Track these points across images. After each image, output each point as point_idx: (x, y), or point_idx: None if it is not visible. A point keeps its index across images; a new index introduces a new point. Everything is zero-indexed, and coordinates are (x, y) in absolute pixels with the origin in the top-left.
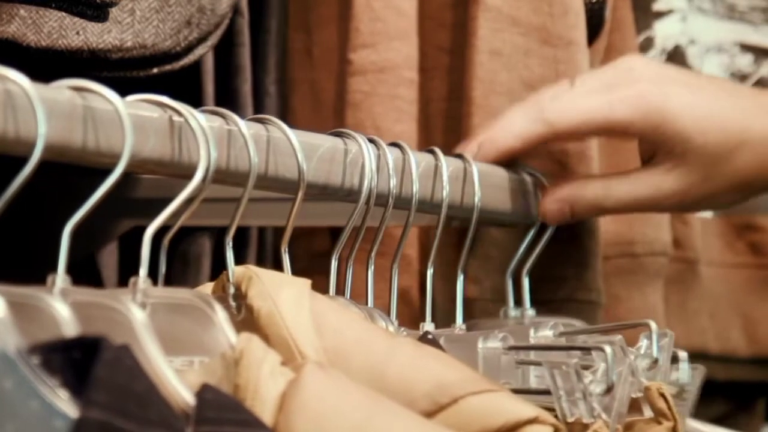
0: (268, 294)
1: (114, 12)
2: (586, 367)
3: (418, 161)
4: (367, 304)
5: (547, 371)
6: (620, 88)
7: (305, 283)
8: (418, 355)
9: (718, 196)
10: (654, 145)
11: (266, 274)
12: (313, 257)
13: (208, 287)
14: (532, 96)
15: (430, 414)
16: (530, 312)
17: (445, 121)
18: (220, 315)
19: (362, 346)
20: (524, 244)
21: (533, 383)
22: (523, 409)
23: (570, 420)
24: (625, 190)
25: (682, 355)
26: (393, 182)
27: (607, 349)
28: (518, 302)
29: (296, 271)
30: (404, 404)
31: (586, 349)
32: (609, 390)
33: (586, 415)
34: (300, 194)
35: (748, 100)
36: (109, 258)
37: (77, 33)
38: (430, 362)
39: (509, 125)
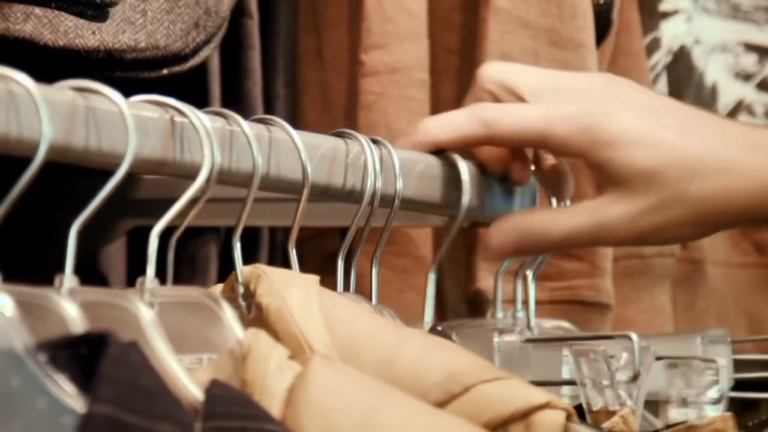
0: (277, 291)
1: (126, 12)
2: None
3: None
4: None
5: (573, 359)
6: (566, 102)
7: (314, 279)
8: (428, 346)
9: (677, 229)
10: (597, 169)
11: (275, 272)
12: (323, 258)
13: (217, 288)
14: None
15: (442, 404)
16: (520, 314)
17: None
18: (228, 312)
19: (372, 339)
20: None
21: (536, 375)
22: (534, 394)
23: (595, 408)
24: (569, 221)
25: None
26: (399, 183)
27: (633, 336)
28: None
29: (307, 273)
30: (416, 395)
31: (608, 338)
32: (635, 378)
33: (613, 403)
34: (305, 193)
35: (718, 134)
36: (118, 261)
37: (93, 33)
38: (440, 352)
39: (451, 116)
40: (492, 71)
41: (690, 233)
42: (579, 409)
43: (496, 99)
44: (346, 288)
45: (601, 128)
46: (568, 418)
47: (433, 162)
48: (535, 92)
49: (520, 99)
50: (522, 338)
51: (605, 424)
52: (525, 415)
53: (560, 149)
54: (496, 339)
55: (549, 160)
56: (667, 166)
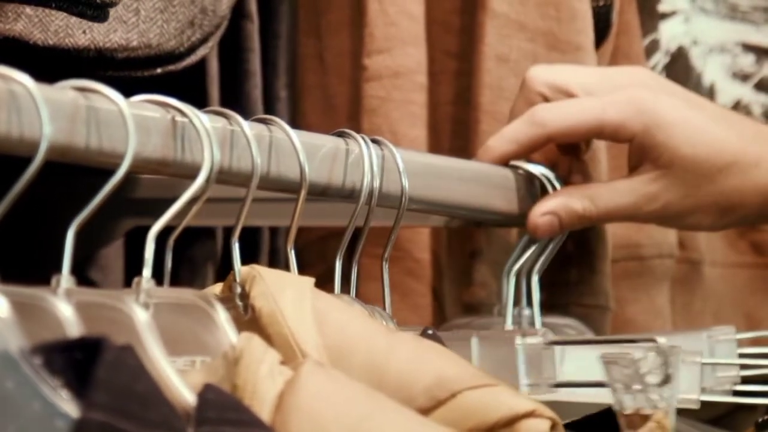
0: (270, 293)
1: (119, 11)
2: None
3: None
4: (384, 306)
5: (604, 364)
6: (616, 91)
7: (308, 281)
8: (419, 351)
9: (699, 216)
10: (642, 151)
11: (270, 274)
12: (329, 263)
13: (216, 288)
14: None
15: (429, 409)
16: (527, 312)
17: (452, 125)
18: (222, 315)
19: (363, 343)
20: (521, 243)
21: (565, 377)
22: (519, 403)
23: (627, 412)
24: (608, 198)
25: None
26: (406, 182)
27: (661, 339)
28: (524, 303)
29: (315, 277)
30: (404, 400)
31: (634, 341)
32: (665, 381)
33: (646, 406)
34: (302, 194)
35: (748, 128)
36: (115, 261)
37: (84, 32)
38: (429, 358)
39: (504, 131)
40: (541, 73)
41: (709, 222)
42: (611, 412)
43: (547, 100)
44: (346, 289)
45: (656, 112)
46: (553, 427)
47: (435, 160)
48: (585, 88)
49: (571, 97)
50: (546, 340)
51: (641, 430)
52: (509, 423)
53: (614, 133)
54: (518, 341)
55: (583, 156)
56: (708, 155)
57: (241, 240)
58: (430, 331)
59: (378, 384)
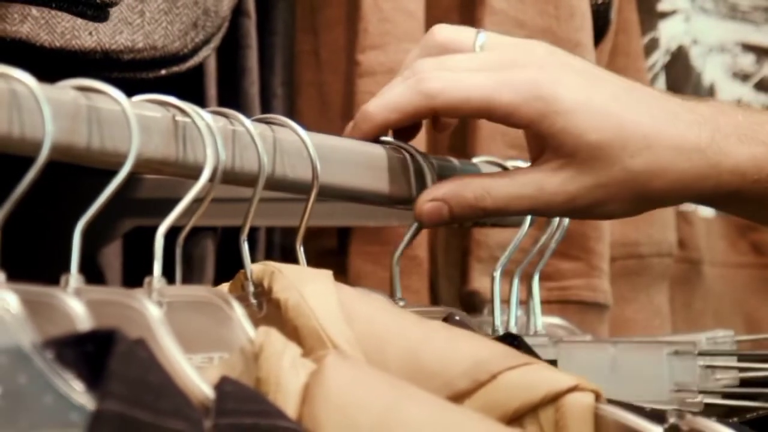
0: (294, 286)
1: (124, 13)
2: None
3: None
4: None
5: None
6: (512, 69)
7: (328, 274)
8: (452, 336)
9: (611, 204)
10: (542, 139)
11: (288, 269)
12: (320, 256)
13: (224, 287)
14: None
15: (469, 392)
16: (519, 312)
17: None
18: (238, 311)
19: (395, 332)
20: (512, 244)
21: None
22: (562, 378)
23: None
24: (506, 189)
25: None
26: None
27: None
28: (521, 301)
29: None
30: (443, 385)
31: None
32: None
33: None
34: (314, 192)
35: (659, 105)
36: (114, 260)
37: (90, 34)
38: (464, 342)
39: (386, 96)
40: (444, 30)
41: (624, 210)
42: None
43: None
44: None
45: (555, 97)
46: (597, 399)
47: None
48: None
49: None
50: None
51: None
52: (554, 399)
53: (505, 117)
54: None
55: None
56: (615, 140)
57: (238, 238)
58: (457, 317)
59: (415, 371)
